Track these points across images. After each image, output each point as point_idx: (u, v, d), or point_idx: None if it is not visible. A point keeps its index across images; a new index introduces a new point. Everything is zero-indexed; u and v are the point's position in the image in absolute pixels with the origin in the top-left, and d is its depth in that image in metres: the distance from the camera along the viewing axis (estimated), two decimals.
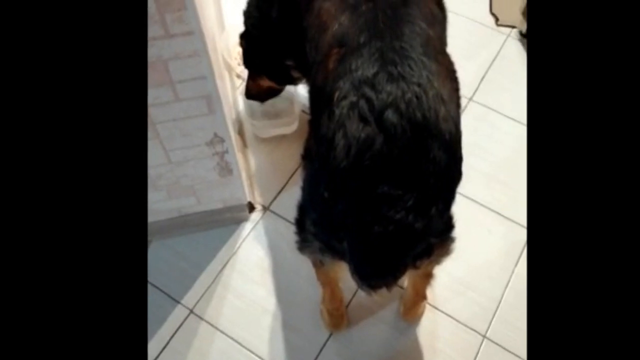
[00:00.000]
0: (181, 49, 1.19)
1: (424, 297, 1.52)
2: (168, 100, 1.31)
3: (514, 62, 2.09)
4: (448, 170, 1.01)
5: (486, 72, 2.08)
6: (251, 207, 1.76)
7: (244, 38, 1.67)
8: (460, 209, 1.15)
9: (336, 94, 1.01)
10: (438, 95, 1.00)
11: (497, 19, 2.22)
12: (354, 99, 0.98)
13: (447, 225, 1.15)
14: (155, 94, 1.28)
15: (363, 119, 0.96)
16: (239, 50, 1.80)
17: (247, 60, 1.72)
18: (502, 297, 1.61)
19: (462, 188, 1.12)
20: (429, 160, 0.97)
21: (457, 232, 1.19)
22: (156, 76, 1.24)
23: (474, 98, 2.00)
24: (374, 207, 0.96)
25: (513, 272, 1.64)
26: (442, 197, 1.03)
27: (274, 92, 1.81)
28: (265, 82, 1.73)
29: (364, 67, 1.00)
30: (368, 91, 0.97)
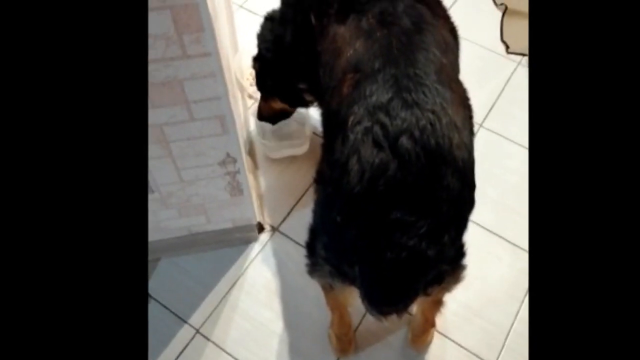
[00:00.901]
0: (198, 69, 1.21)
1: (433, 324, 1.50)
2: (183, 119, 1.32)
3: (524, 89, 2.10)
4: (461, 197, 1.01)
5: (497, 99, 2.09)
6: (260, 228, 1.76)
7: (257, 61, 1.69)
8: (469, 235, 1.15)
9: (350, 119, 1.02)
10: (452, 123, 1.01)
11: (507, 47, 2.24)
12: (368, 124, 0.99)
13: (459, 252, 1.14)
14: (170, 113, 1.30)
15: (377, 145, 0.97)
16: (252, 70, 1.82)
17: (260, 83, 1.73)
18: (511, 326, 1.59)
19: (471, 214, 1.11)
20: (442, 187, 0.97)
21: (466, 259, 1.18)
22: (172, 96, 1.25)
23: (484, 124, 2.01)
24: (386, 233, 0.96)
25: (522, 300, 1.63)
26: (454, 224, 1.03)
27: (286, 114, 1.83)
28: (278, 104, 1.74)
29: (379, 93, 1.01)
30: (382, 117, 0.98)
